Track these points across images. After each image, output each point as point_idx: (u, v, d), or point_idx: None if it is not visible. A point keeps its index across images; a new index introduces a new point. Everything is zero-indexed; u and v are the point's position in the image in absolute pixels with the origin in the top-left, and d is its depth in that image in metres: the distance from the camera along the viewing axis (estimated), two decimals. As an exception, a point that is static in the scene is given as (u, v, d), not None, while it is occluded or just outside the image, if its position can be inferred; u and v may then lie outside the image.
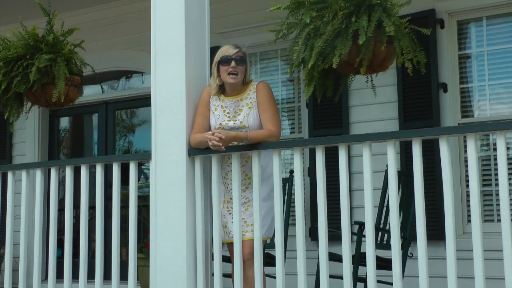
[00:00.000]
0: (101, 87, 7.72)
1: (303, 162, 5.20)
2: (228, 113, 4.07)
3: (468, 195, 5.47)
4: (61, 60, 4.83)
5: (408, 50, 3.66)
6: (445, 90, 5.65)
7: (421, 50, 3.77)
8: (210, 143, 3.79)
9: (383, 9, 3.60)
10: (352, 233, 4.04)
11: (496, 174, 5.44)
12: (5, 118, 4.98)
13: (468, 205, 5.48)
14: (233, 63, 4.00)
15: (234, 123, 4.02)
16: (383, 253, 4.50)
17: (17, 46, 4.83)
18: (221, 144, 3.77)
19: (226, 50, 4.05)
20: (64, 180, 4.45)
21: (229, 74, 4.01)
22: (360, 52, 3.60)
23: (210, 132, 3.88)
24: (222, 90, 4.12)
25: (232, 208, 3.96)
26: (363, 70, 3.63)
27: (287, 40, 3.92)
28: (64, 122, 8.22)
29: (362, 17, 3.57)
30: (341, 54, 3.56)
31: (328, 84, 3.94)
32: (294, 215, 3.71)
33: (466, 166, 5.18)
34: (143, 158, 4.48)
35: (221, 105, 4.09)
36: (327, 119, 6.09)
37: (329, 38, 3.59)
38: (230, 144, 3.87)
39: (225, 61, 4.01)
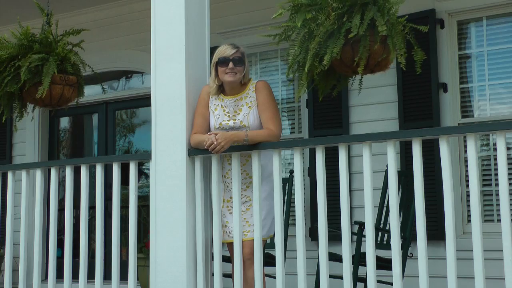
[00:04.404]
0: (101, 87, 7.71)
1: (303, 162, 5.20)
2: (228, 112, 4.06)
3: (468, 195, 5.46)
4: (52, 60, 4.81)
5: (401, 46, 3.63)
6: (445, 90, 5.65)
7: (419, 49, 3.75)
8: (208, 149, 3.80)
9: (377, 8, 3.59)
10: (352, 233, 4.04)
11: (496, 174, 5.44)
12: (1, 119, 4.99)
13: (468, 205, 5.48)
14: (231, 64, 3.98)
15: (234, 123, 4.01)
16: (383, 253, 4.50)
17: (10, 47, 4.83)
18: (222, 145, 3.77)
19: (224, 50, 4.02)
20: (64, 180, 4.44)
21: (227, 73, 4.00)
22: (354, 52, 3.59)
23: (207, 138, 3.85)
24: (221, 89, 4.10)
25: (232, 207, 3.95)
26: (361, 69, 3.61)
27: (289, 40, 3.91)
28: (64, 122, 8.22)
29: (355, 16, 3.57)
30: (332, 52, 3.55)
31: (329, 85, 3.96)
32: (294, 215, 3.71)
33: (466, 166, 5.18)
34: (143, 158, 4.48)
35: (221, 105, 4.08)
36: (327, 119, 6.09)
37: (321, 39, 3.59)
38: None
39: (223, 61, 3.99)
